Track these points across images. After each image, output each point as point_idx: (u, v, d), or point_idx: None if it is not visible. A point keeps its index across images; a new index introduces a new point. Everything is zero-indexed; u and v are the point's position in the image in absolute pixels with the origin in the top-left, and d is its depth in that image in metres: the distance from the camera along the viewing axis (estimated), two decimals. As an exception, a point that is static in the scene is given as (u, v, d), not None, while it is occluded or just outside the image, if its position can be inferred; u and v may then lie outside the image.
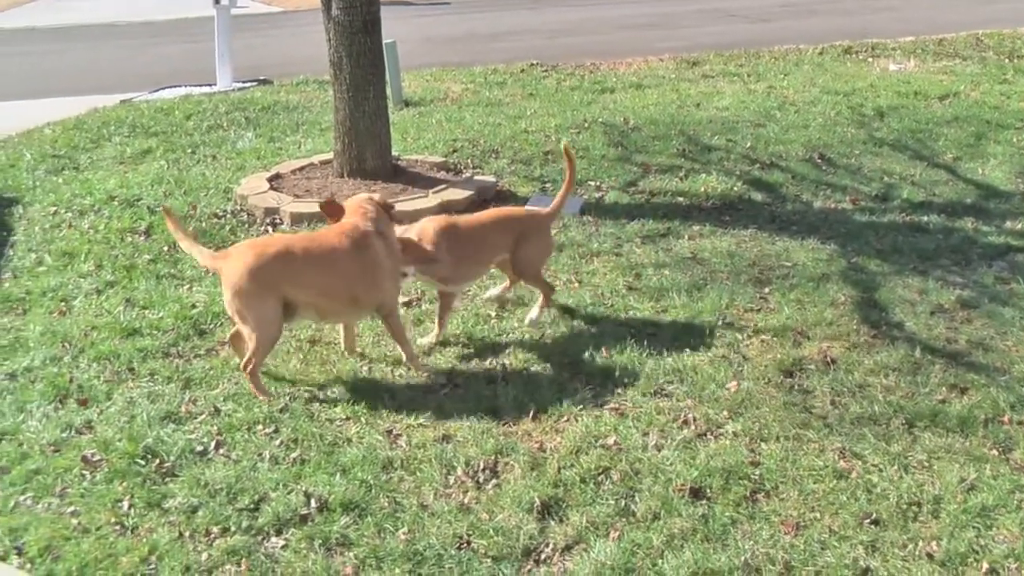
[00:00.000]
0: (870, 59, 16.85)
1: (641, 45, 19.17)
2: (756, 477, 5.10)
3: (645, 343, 6.53)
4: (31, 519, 4.95)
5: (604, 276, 7.64)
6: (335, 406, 5.91)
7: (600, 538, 4.69)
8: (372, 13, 9.49)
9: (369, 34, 9.51)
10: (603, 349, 6.44)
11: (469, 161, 10.70)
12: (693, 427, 5.57)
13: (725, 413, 5.69)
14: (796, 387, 6.01)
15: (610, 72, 16.51)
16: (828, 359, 6.30)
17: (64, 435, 5.68)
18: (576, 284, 7.52)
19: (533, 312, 6.92)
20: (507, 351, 6.54)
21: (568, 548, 4.67)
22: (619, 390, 5.99)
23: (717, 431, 5.54)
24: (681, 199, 9.50)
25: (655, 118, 12.27)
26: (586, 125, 11.91)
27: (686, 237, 8.44)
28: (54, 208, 9.63)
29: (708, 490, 5.01)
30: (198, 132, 12.77)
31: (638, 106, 13.20)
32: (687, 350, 6.44)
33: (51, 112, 14.59)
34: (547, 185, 9.91)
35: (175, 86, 16.81)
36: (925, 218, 8.93)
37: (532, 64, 17.27)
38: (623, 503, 4.93)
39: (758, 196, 9.60)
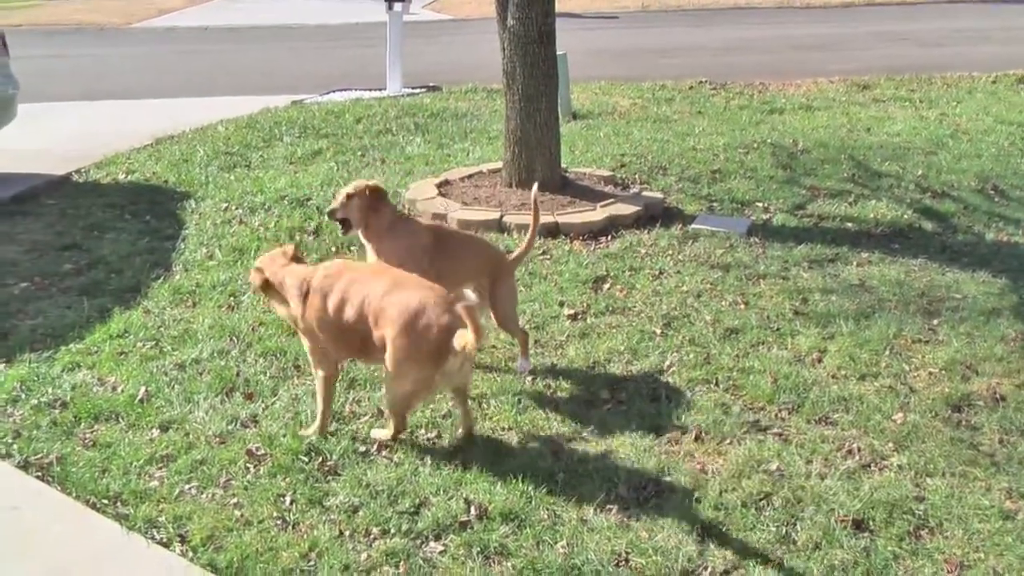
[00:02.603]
0: (1046, 88, 16.49)
1: (811, 66, 19.01)
2: (920, 512, 5.01)
3: (810, 369, 6.48)
4: (195, 508, 5.07)
5: (770, 299, 7.58)
6: (498, 416, 5.94)
7: (759, 564, 4.64)
8: (548, 24, 9.52)
9: (544, 45, 9.55)
10: (767, 374, 6.38)
11: (637, 176, 10.68)
12: (857, 457, 5.49)
13: (890, 445, 5.61)
14: (964, 422, 5.89)
15: (779, 92, 16.42)
16: (997, 396, 6.16)
17: (230, 427, 5.81)
18: (742, 306, 7.46)
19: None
20: (670, 369, 6.52)
21: (727, 573, 4.63)
22: (783, 415, 5.94)
23: (882, 463, 5.46)
24: (850, 225, 9.38)
25: (824, 141, 12.19)
26: (754, 145, 11.86)
27: (854, 263, 8.34)
28: (225, 204, 9.90)
29: (871, 523, 4.93)
30: (368, 135, 13.01)
31: (807, 128, 13.13)
32: (853, 379, 6.37)
33: (224, 110, 15.02)
34: (714, 204, 9.87)
35: (346, 89, 17.14)
36: (1102, 254, 8.70)
37: (701, 81, 17.24)
38: (784, 530, 4.88)
39: (928, 225, 9.44)
